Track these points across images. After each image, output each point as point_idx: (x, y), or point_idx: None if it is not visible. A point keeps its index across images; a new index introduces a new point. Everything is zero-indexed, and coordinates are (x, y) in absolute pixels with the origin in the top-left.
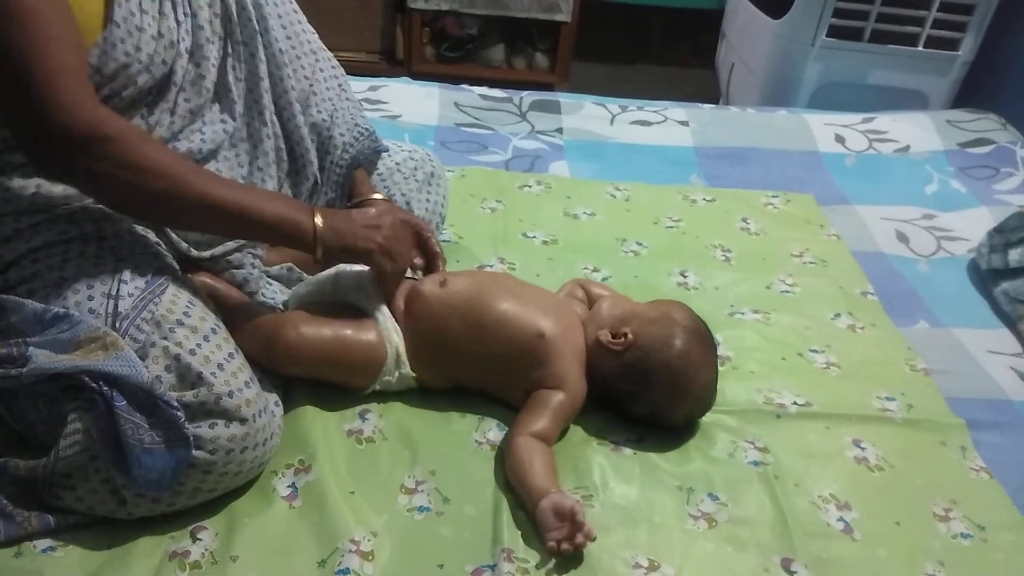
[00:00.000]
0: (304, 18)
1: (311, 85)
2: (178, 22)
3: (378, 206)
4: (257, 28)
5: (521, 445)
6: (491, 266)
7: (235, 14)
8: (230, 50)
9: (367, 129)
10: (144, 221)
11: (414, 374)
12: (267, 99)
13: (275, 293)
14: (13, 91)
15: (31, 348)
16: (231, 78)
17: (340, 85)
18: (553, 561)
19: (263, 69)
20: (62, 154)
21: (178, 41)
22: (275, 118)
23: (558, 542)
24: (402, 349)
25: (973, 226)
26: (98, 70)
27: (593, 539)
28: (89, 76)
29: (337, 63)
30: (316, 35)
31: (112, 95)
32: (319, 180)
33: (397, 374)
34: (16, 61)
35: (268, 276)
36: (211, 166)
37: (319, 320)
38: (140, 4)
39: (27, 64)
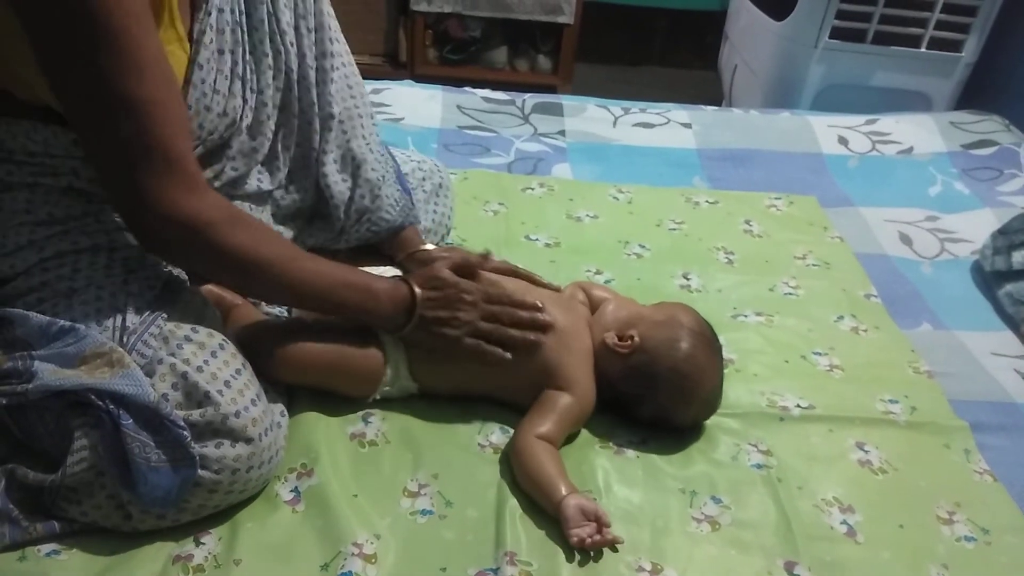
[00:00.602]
0: (357, 71)
1: (368, 144)
2: (244, 100)
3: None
4: (315, 97)
5: (530, 445)
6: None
7: (295, 85)
8: (284, 121)
9: (408, 197)
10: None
11: (416, 384)
12: (315, 169)
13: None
14: (121, 176)
15: (36, 362)
16: (280, 147)
17: (386, 146)
18: (556, 563)
19: (316, 140)
20: (159, 242)
21: (240, 119)
22: (313, 184)
23: (583, 538)
24: (403, 359)
25: (977, 228)
26: None
27: (621, 542)
28: None
29: (373, 114)
30: (363, 84)
31: None
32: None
33: (398, 384)
34: (127, 148)
35: None
36: (242, 207)
37: (320, 330)
38: (214, 84)
39: (137, 153)
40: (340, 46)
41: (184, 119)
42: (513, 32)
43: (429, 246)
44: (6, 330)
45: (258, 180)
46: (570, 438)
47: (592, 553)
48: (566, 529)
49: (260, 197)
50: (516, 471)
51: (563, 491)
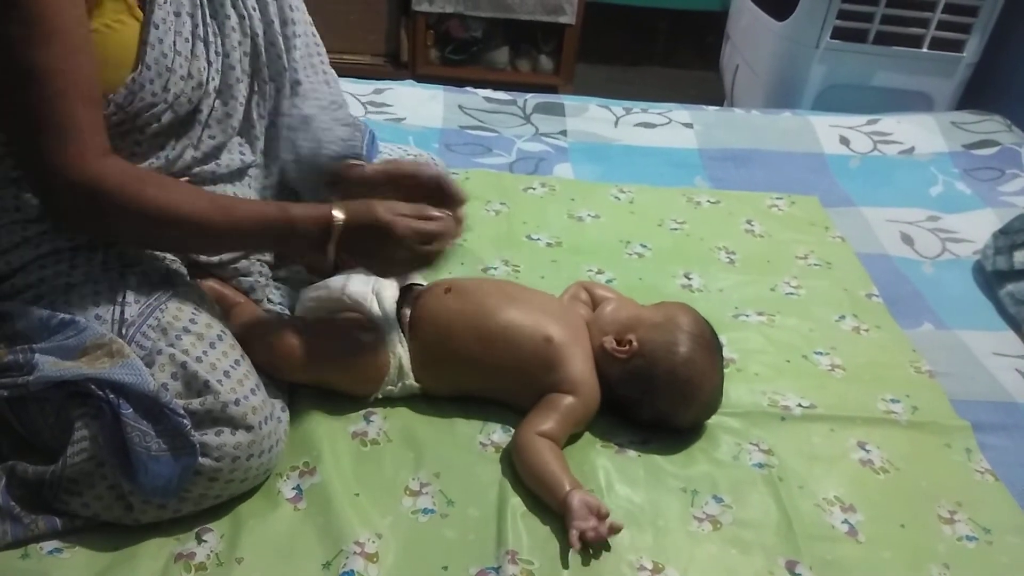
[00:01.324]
0: (320, 42)
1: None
2: (209, 62)
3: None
4: (286, 65)
5: (533, 442)
6: (495, 268)
7: (263, 51)
8: (256, 88)
9: (361, 130)
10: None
11: (418, 384)
12: (286, 134)
13: (282, 298)
14: (25, 145)
15: (37, 355)
16: (255, 114)
17: (343, 107)
18: (558, 563)
19: (286, 104)
20: (67, 211)
21: (207, 81)
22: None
23: (584, 530)
24: (406, 360)
25: (978, 228)
26: (121, 107)
27: (618, 530)
28: (113, 113)
29: (329, 82)
30: (327, 58)
31: (134, 130)
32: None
33: (400, 384)
34: (28, 117)
35: (276, 281)
36: (223, 189)
37: (322, 328)
38: (174, 45)
39: (37, 122)
40: (299, 14)
41: (91, 89)
42: (514, 32)
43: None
44: (6, 324)
45: (240, 153)
46: (572, 438)
47: (592, 551)
48: (569, 523)
49: (240, 173)
50: (519, 467)
51: (567, 486)
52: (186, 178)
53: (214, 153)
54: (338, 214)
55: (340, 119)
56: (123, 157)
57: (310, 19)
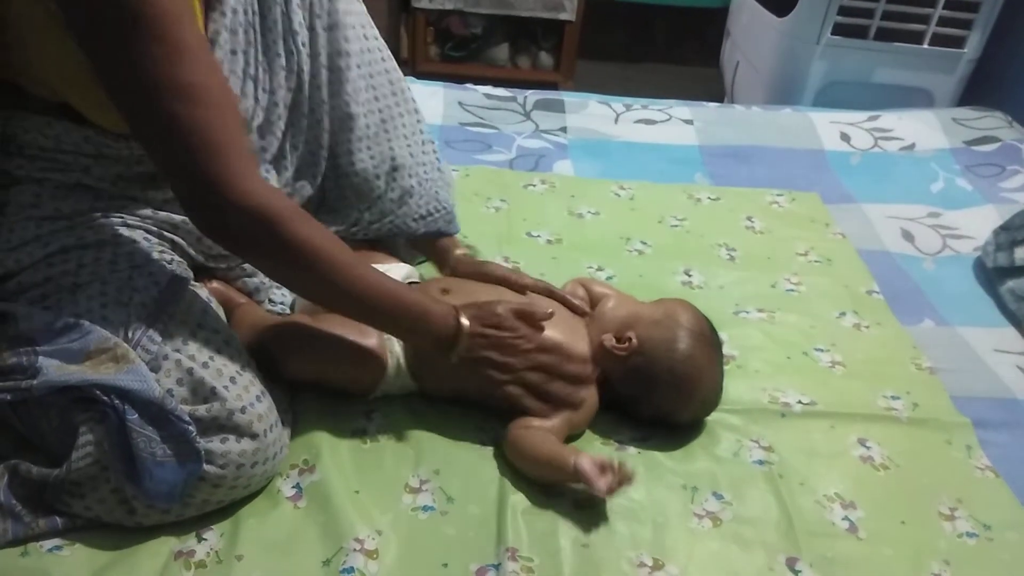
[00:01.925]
0: (393, 65)
1: (409, 146)
2: (256, 100)
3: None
4: (326, 97)
5: (523, 432)
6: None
7: (306, 85)
8: (293, 121)
9: (446, 207)
10: (296, 293)
11: (415, 384)
12: (323, 165)
13: (284, 297)
14: (183, 163)
15: (41, 358)
16: (288, 146)
17: (435, 151)
18: (558, 559)
19: (326, 138)
20: (230, 226)
21: (251, 119)
22: (320, 185)
23: (611, 486)
24: (403, 359)
25: (979, 224)
26: None
27: (632, 475)
28: None
29: (422, 118)
30: (413, 96)
31: None
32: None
33: (399, 384)
34: (187, 134)
35: None
36: None
37: (320, 327)
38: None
39: (198, 138)
40: (361, 43)
41: (234, 106)
42: (515, 29)
43: (473, 256)
44: (10, 326)
45: (265, 173)
46: (570, 437)
47: (591, 546)
48: (591, 485)
49: None
50: (516, 461)
51: (572, 456)
52: None
53: None
54: (465, 321)
55: (440, 199)
56: (159, 180)
57: (382, 50)
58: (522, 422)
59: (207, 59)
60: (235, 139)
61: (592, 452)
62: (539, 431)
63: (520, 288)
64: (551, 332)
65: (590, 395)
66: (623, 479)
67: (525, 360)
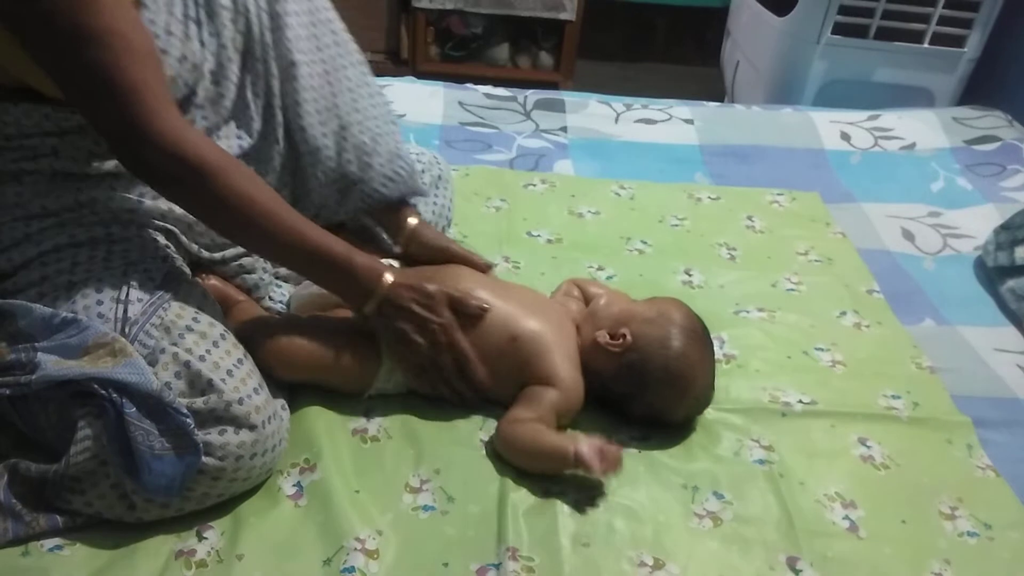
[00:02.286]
0: (335, 17)
1: (354, 100)
2: (203, 43)
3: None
4: (271, 41)
5: (513, 427)
6: (495, 265)
7: (255, 28)
8: (249, 67)
9: (409, 164)
10: (223, 236)
11: (408, 382)
12: (280, 117)
13: (283, 295)
14: (108, 109)
15: (40, 353)
16: (249, 94)
17: (386, 103)
18: (558, 559)
19: (276, 85)
20: (150, 166)
21: (201, 63)
22: (285, 137)
23: (606, 471)
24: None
25: (979, 223)
26: None
27: (619, 449)
28: None
29: (370, 71)
30: (357, 48)
31: None
32: (323, 201)
33: (392, 382)
34: (96, 79)
35: (278, 277)
36: None
37: (313, 326)
38: (167, 27)
39: (111, 79)
40: None
41: (151, 50)
42: (515, 29)
43: (431, 231)
44: (9, 323)
45: (237, 138)
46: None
47: (591, 545)
48: (591, 470)
49: (243, 159)
50: (512, 456)
51: (570, 445)
52: None
53: (208, 136)
54: (388, 277)
55: (401, 153)
56: None
57: (326, 4)
58: (511, 416)
59: (123, 5)
60: (153, 82)
61: None
62: (530, 424)
63: (482, 269)
64: (531, 324)
65: (574, 381)
66: (616, 456)
67: (432, 349)
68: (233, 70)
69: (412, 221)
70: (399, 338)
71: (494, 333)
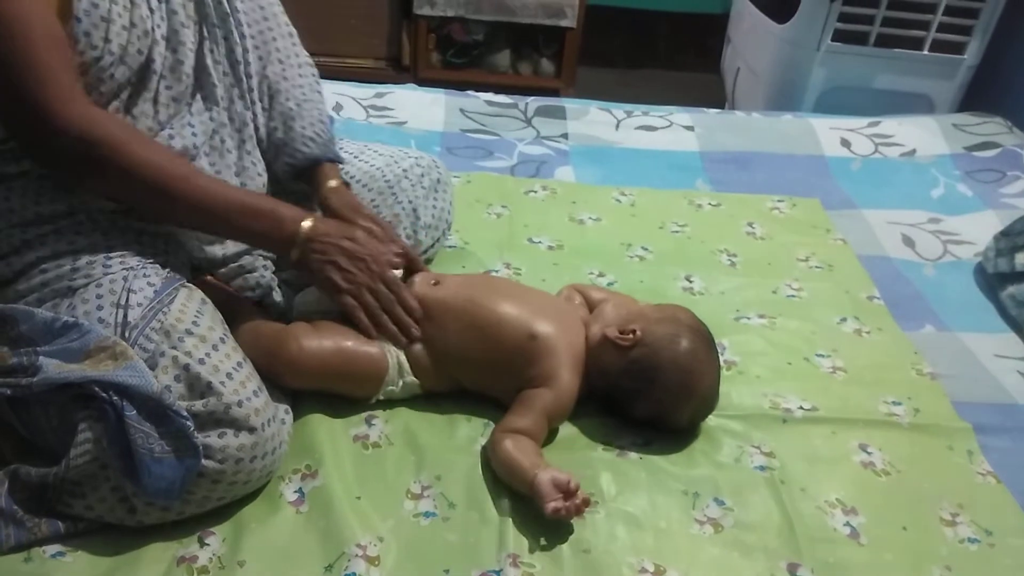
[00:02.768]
0: (277, 13)
1: (283, 70)
2: (151, 9)
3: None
4: (228, 9)
5: (500, 438)
6: (496, 271)
7: None
8: (206, 33)
9: (328, 130)
10: (135, 208)
11: (418, 381)
12: (247, 82)
13: (283, 299)
14: (12, 96)
15: (41, 357)
16: (209, 61)
17: (313, 73)
18: (559, 565)
19: (239, 52)
20: (56, 153)
21: (153, 29)
22: (258, 100)
23: (557, 509)
24: (403, 358)
25: (980, 230)
26: None
27: (588, 505)
28: None
29: (298, 42)
30: (286, 20)
31: (89, 90)
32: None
33: (401, 383)
34: (7, 67)
35: (280, 278)
36: (204, 160)
37: (321, 332)
38: None
39: (14, 67)
40: None
41: (54, 32)
42: (516, 36)
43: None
44: (10, 328)
45: (206, 110)
46: (572, 441)
47: (592, 551)
48: (541, 504)
49: (216, 130)
50: (493, 465)
51: (534, 470)
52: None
53: (177, 109)
54: (307, 223)
55: (323, 120)
56: None
57: None
58: (504, 424)
59: None
60: (57, 67)
61: (593, 457)
62: (515, 437)
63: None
64: (548, 324)
65: (570, 385)
66: (579, 505)
67: (368, 278)
68: (188, 35)
69: (332, 183)
70: (335, 268)
71: (513, 328)
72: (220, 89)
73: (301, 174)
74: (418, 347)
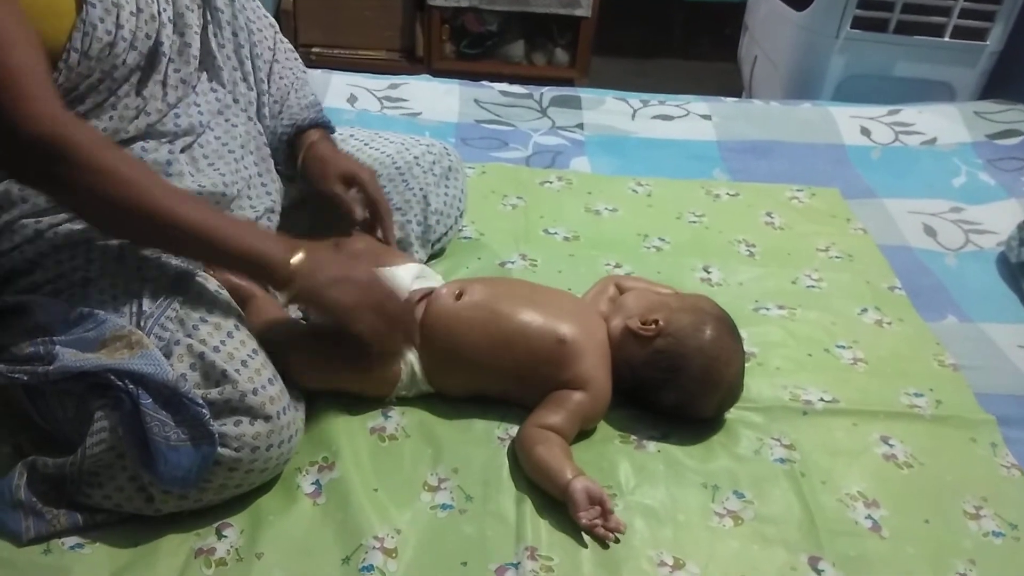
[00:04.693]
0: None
1: (273, 55)
2: None
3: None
4: None
5: (534, 433)
6: (512, 263)
7: None
8: (210, 17)
9: (319, 104)
10: (108, 234)
11: (431, 389)
12: (249, 64)
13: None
14: None
15: (58, 347)
16: (214, 44)
17: (297, 59)
18: (577, 559)
19: (243, 36)
20: (24, 160)
21: (159, 13)
22: (264, 80)
23: (591, 522)
24: (417, 366)
25: (1002, 219)
26: (84, 53)
27: (622, 532)
28: (76, 63)
29: (279, 31)
30: (265, 12)
31: (104, 76)
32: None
33: (414, 389)
34: None
35: None
36: (211, 134)
37: (334, 334)
38: None
39: None
40: None
41: (29, 39)
42: (530, 26)
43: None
44: (28, 318)
45: (212, 90)
46: (589, 433)
47: (611, 545)
48: (574, 512)
49: (221, 110)
50: (521, 460)
51: (569, 474)
52: (189, 136)
53: (185, 91)
54: (296, 259)
55: (311, 91)
56: (101, 108)
57: None
58: (535, 419)
59: None
60: (29, 69)
61: (611, 450)
62: (548, 434)
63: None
64: (573, 326)
65: (605, 383)
66: (611, 527)
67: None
68: (193, 18)
69: (314, 135)
70: (331, 284)
71: (541, 336)
72: (225, 71)
73: (293, 142)
74: (438, 359)
